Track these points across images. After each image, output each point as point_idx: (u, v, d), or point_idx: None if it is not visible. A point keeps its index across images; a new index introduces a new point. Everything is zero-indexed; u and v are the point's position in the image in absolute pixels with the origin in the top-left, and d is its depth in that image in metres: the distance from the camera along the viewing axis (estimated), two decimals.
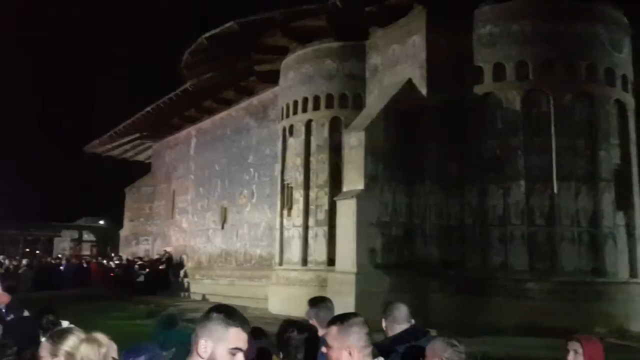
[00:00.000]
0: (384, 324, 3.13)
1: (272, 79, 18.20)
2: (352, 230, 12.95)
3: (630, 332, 11.50)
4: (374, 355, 2.38)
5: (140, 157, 33.06)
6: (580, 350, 2.80)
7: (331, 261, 14.25)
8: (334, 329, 2.37)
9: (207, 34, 16.67)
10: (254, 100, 21.53)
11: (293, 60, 16.95)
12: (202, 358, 1.83)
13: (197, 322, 1.90)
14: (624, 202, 13.23)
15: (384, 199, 13.35)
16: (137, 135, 28.60)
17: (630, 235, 13.22)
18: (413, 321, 3.19)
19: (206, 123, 24.91)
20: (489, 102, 13.46)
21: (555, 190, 12.72)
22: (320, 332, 2.78)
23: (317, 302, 3.21)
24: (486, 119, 13.43)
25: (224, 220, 22.56)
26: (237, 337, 1.85)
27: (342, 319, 2.42)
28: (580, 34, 13.26)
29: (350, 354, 2.25)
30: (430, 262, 13.31)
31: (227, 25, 15.93)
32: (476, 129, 13.46)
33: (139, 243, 29.60)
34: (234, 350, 1.83)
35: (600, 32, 13.42)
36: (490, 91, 13.45)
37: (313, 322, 3.02)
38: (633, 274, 13.05)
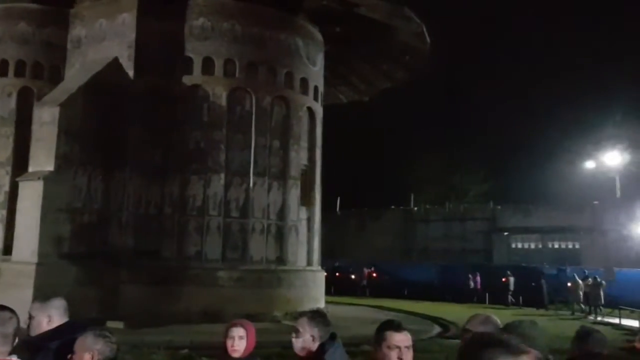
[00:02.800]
0: (44, 320, 2.87)
1: None
2: (36, 215, 11.61)
3: None
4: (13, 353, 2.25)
5: None
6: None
7: (9, 250, 12.54)
8: None
9: None
10: None
11: None
12: None
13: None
14: (307, 199, 15.00)
15: (78, 183, 12.36)
16: None
17: (310, 228, 15.07)
18: (88, 316, 3.00)
19: None
20: (197, 94, 13.66)
21: (251, 185, 13.65)
22: None
23: None
24: (193, 110, 13.60)
25: None
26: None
27: None
28: (283, 43, 14.50)
29: None
30: (125, 252, 12.83)
31: None
32: (183, 119, 13.53)
33: None
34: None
35: (299, 44, 14.89)
36: (199, 83, 13.68)
37: None
38: (309, 263, 14.93)
